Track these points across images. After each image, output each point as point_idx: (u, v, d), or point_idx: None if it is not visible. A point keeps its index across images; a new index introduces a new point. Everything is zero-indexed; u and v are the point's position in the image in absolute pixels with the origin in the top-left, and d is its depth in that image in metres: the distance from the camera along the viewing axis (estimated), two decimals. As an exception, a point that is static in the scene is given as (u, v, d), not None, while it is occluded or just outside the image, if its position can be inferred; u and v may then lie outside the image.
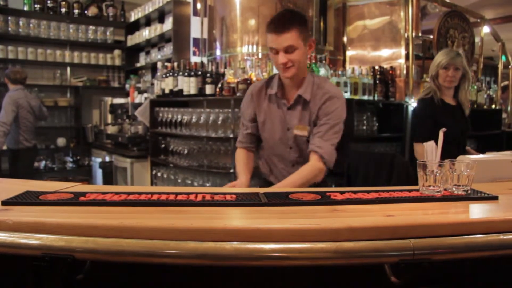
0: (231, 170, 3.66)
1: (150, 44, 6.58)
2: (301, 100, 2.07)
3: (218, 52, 4.37)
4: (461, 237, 1.09)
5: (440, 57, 2.92)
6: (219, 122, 3.73)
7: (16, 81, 4.98)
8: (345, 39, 4.77)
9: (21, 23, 6.34)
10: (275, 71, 3.57)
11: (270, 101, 2.14)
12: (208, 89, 3.85)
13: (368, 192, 1.41)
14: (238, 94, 3.55)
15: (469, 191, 1.41)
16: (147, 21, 6.58)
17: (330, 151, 1.99)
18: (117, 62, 7.22)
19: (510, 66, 6.17)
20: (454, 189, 1.42)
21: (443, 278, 1.23)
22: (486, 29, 5.67)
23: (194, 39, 5.31)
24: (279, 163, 2.18)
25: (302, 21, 1.96)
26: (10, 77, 4.99)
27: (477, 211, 1.30)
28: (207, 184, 3.84)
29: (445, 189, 1.43)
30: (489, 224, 1.15)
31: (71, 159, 6.86)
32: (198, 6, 5.27)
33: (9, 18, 6.25)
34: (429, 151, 1.76)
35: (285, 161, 2.15)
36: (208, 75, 3.91)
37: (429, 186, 1.40)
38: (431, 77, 2.98)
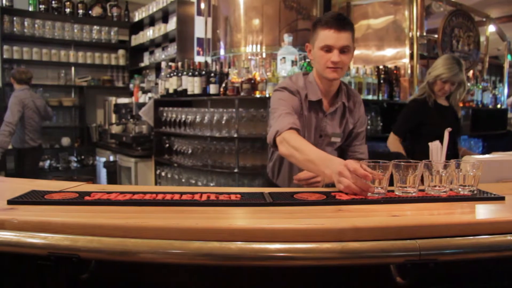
0: (235, 170, 3.66)
1: (154, 44, 6.58)
2: (341, 108, 2.06)
3: (222, 52, 4.38)
4: (467, 237, 1.08)
5: (442, 70, 2.91)
6: (223, 122, 3.73)
7: (22, 81, 5.01)
8: (349, 38, 4.75)
9: (26, 23, 6.37)
10: (279, 71, 3.59)
11: (309, 107, 2.02)
12: (212, 89, 3.85)
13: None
14: (242, 93, 3.55)
15: (475, 191, 1.41)
16: (151, 21, 6.59)
17: (367, 150, 2.18)
18: (121, 62, 7.24)
19: (515, 66, 6.15)
20: (460, 189, 1.41)
21: (449, 279, 1.22)
22: (491, 28, 5.65)
23: (198, 38, 5.31)
24: (297, 169, 2.07)
25: (353, 26, 1.92)
26: (15, 77, 5.02)
27: (483, 212, 1.29)
28: (211, 184, 3.84)
29: (451, 189, 1.42)
30: (496, 225, 1.14)
31: (75, 159, 6.89)
32: (202, 6, 5.27)
33: (15, 18, 6.28)
34: (434, 151, 1.75)
35: None
36: (212, 74, 3.91)
37: (435, 186, 1.39)
38: (427, 82, 3.01)
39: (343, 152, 2.21)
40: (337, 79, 1.96)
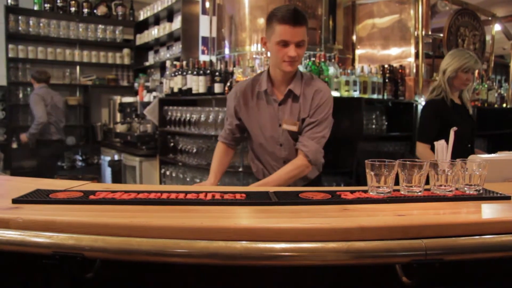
0: (240, 169, 3.65)
1: (159, 43, 6.59)
2: (291, 95, 2.07)
3: (227, 51, 4.37)
4: (473, 237, 1.08)
5: (463, 60, 2.83)
6: (228, 121, 3.72)
7: (41, 80, 5.36)
8: (354, 37, 4.74)
9: (31, 22, 6.39)
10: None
11: (258, 99, 2.12)
12: (217, 88, 3.85)
13: (379, 191, 1.40)
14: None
15: (481, 191, 1.40)
16: (156, 20, 6.59)
17: (315, 150, 2.02)
18: (126, 61, 7.25)
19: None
20: (465, 188, 1.40)
21: (454, 279, 1.21)
22: (497, 27, 5.62)
23: (203, 37, 5.31)
24: (271, 161, 2.17)
25: (307, 20, 1.95)
26: (35, 77, 5.38)
27: (489, 211, 1.28)
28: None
29: (456, 189, 1.41)
30: (502, 225, 1.13)
31: (80, 158, 6.91)
32: (207, 5, 5.27)
33: (20, 17, 6.31)
34: (440, 150, 1.74)
35: (277, 158, 2.14)
36: (217, 73, 3.91)
37: (441, 185, 1.38)
38: (447, 78, 2.88)
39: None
40: (292, 72, 2.02)
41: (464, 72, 2.84)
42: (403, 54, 4.42)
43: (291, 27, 1.87)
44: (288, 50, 1.90)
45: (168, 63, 4.86)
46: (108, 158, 6.18)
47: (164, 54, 6.28)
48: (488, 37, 5.19)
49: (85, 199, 1.26)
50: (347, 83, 3.66)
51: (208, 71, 3.98)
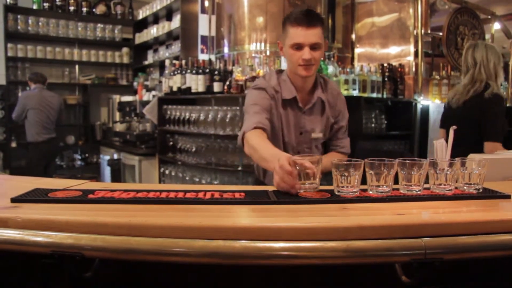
0: (239, 168, 3.65)
1: (158, 42, 6.59)
2: (319, 102, 2.03)
3: (226, 50, 4.37)
4: (473, 236, 1.07)
5: (498, 54, 2.71)
6: (227, 120, 3.72)
7: (37, 81, 5.47)
8: (353, 36, 4.74)
9: (30, 21, 6.39)
10: (283, 68, 3.57)
11: (284, 106, 2.02)
12: (216, 87, 3.84)
13: (378, 190, 1.39)
14: (246, 91, 3.54)
15: (481, 190, 1.39)
16: (155, 18, 6.59)
17: (349, 144, 2.17)
18: (125, 60, 7.24)
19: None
20: (465, 187, 1.40)
21: (454, 278, 1.21)
22: (497, 26, 5.60)
23: (202, 36, 5.31)
24: None
25: (323, 20, 1.91)
26: (32, 78, 5.53)
27: (489, 210, 1.28)
28: (215, 182, 3.84)
29: (456, 188, 1.41)
30: (502, 223, 1.13)
31: (79, 157, 6.91)
32: (206, 3, 5.27)
33: (19, 16, 6.30)
34: (439, 149, 1.74)
35: None
36: (216, 72, 3.91)
37: (440, 184, 1.38)
38: (494, 72, 2.72)
39: (325, 147, 2.20)
40: (310, 76, 1.94)
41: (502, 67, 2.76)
42: (403, 53, 4.42)
43: (304, 29, 1.82)
44: (303, 53, 1.83)
45: (167, 62, 4.86)
46: (107, 157, 6.19)
47: (163, 53, 6.28)
48: (487, 36, 5.18)
49: (84, 198, 1.26)
50: (346, 82, 3.66)
51: (207, 70, 3.98)
